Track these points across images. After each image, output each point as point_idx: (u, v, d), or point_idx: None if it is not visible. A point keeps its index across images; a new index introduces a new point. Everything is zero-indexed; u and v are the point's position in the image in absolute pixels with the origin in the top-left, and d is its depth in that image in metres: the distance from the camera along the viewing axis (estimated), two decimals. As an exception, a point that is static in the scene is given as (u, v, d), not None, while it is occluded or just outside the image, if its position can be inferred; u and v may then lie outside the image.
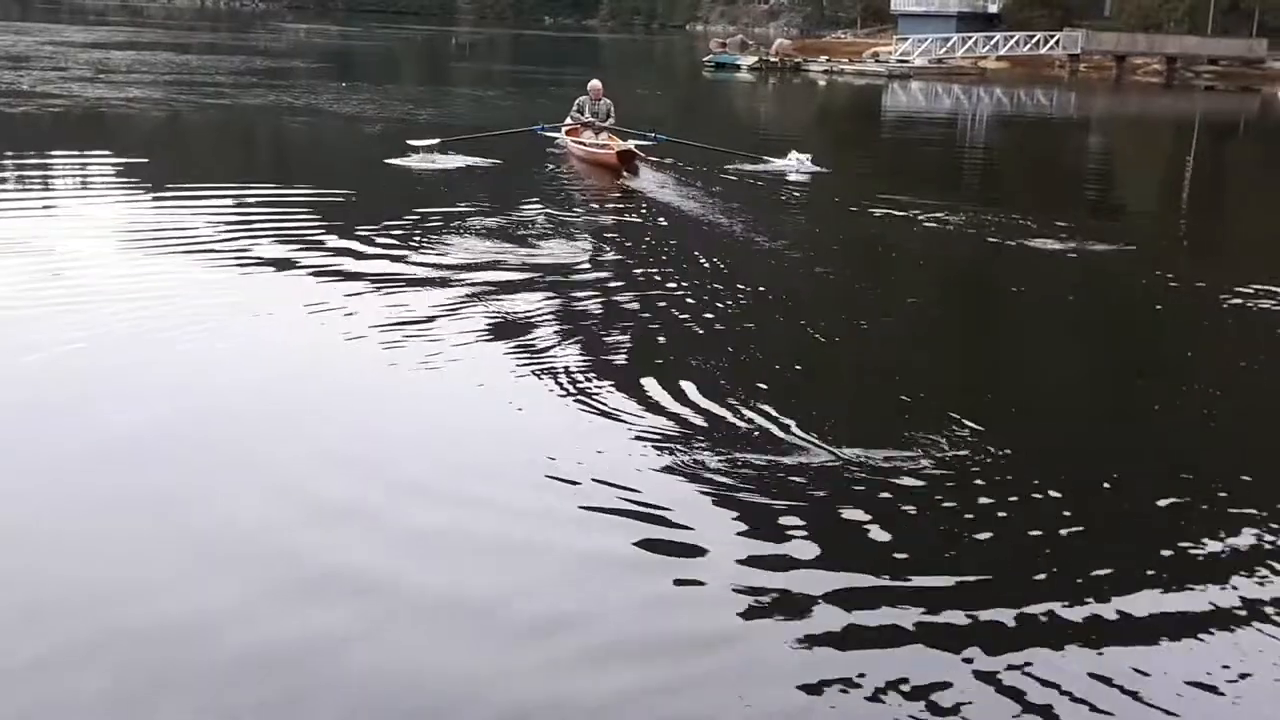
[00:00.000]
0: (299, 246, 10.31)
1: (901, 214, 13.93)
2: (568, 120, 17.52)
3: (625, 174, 15.62)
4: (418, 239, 10.75)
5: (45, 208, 12.08)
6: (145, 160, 15.62)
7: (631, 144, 16.44)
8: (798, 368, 7.52)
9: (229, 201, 12.71)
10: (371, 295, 8.65)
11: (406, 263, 9.78)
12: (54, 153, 16.13)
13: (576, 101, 17.44)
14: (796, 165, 17.02)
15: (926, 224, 13.36)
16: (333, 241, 10.55)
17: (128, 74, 30.37)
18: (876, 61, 54.91)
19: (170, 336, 7.44)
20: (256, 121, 22.22)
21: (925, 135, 28.46)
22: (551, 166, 16.53)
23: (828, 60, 55.39)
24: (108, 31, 56.26)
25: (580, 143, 16.89)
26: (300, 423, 6.18)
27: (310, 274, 9.29)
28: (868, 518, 5.16)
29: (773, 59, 54.13)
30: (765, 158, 17.45)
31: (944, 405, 6.65)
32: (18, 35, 47.12)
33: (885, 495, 5.38)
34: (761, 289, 9.65)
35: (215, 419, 6.10)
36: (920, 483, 5.53)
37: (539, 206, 13.04)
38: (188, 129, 20.79)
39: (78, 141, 17.54)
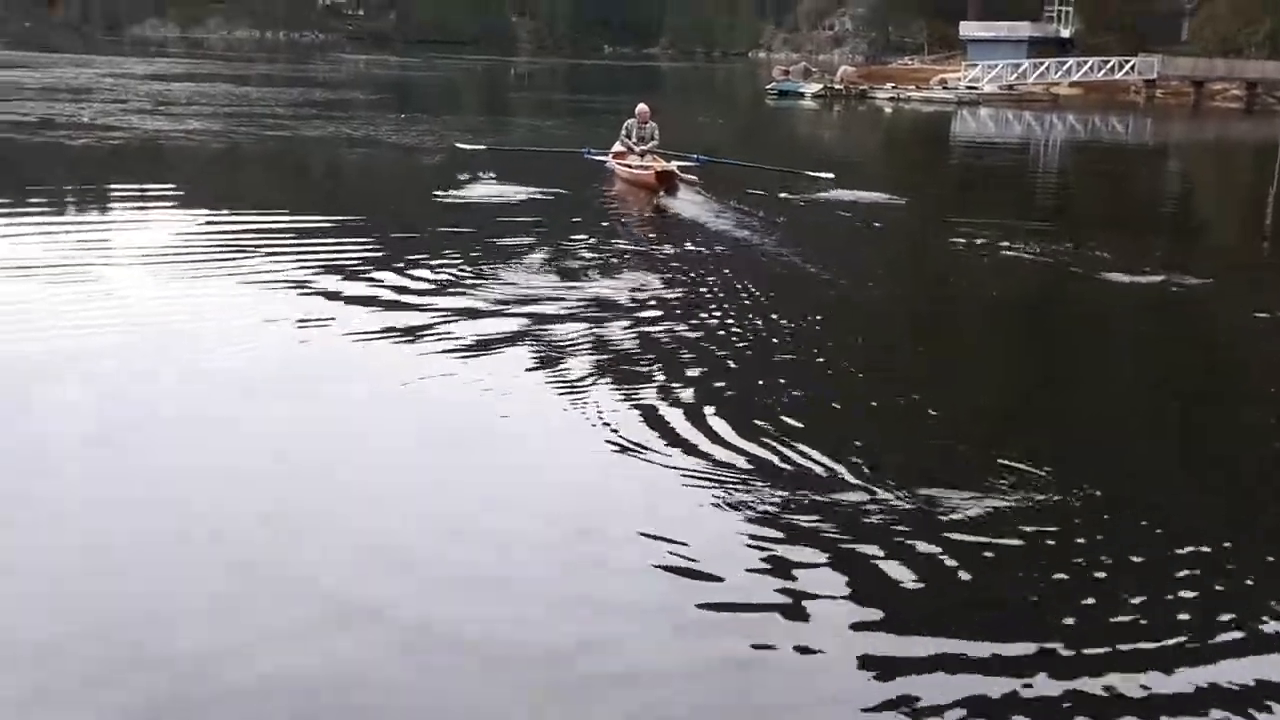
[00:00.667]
0: (352, 276, 10.39)
1: (971, 243, 13.76)
2: (616, 145, 18.24)
3: (664, 194, 16.31)
4: (463, 270, 10.77)
5: (100, 237, 12.29)
6: (202, 190, 15.90)
7: (674, 165, 17.07)
8: (853, 405, 7.38)
9: (284, 231, 12.87)
10: (414, 326, 8.71)
11: (449, 293, 9.81)
12: (112, 184, 16.46)
13: (625, 125, 18.13)
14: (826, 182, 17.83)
15: (998, 254, 13.17)
16: (383, 273, 10.58)
17: (187, 106, 30.98)
18: (944, 88, 54.67)
19: (213, 364, 7.57)
20: (314, 152, 22.54)
21: (996, 162, 28.21)
22: (595, 188, 16.95)
23: (894, 87, 55.26)
24: (167, 64, 57.61)
25: (625, 165, 17.61)
26: (344, 458, 6.17)
27: (359, 304, 9.37)
28: (928, 566, 5.00)
29: (837, 86, 54.07)
30: (804, 171, 18.30)
31: (1014, 445, 6.49)
32: (79, 68, 48.36)
33: (953, 542, 5.23)
34: (811, 320, 9.54)
35: (257, 457, 6.11)
36: (994, 533, 5.34)
37: (579, 232, 13.14)
38: (245, 160, 21.13)
39: (136, 173, 17.89)
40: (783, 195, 17.06)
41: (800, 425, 6.70)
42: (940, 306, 11.04)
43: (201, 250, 11.41)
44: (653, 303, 9.86)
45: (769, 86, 55.25)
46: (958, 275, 12.24)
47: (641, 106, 18.00)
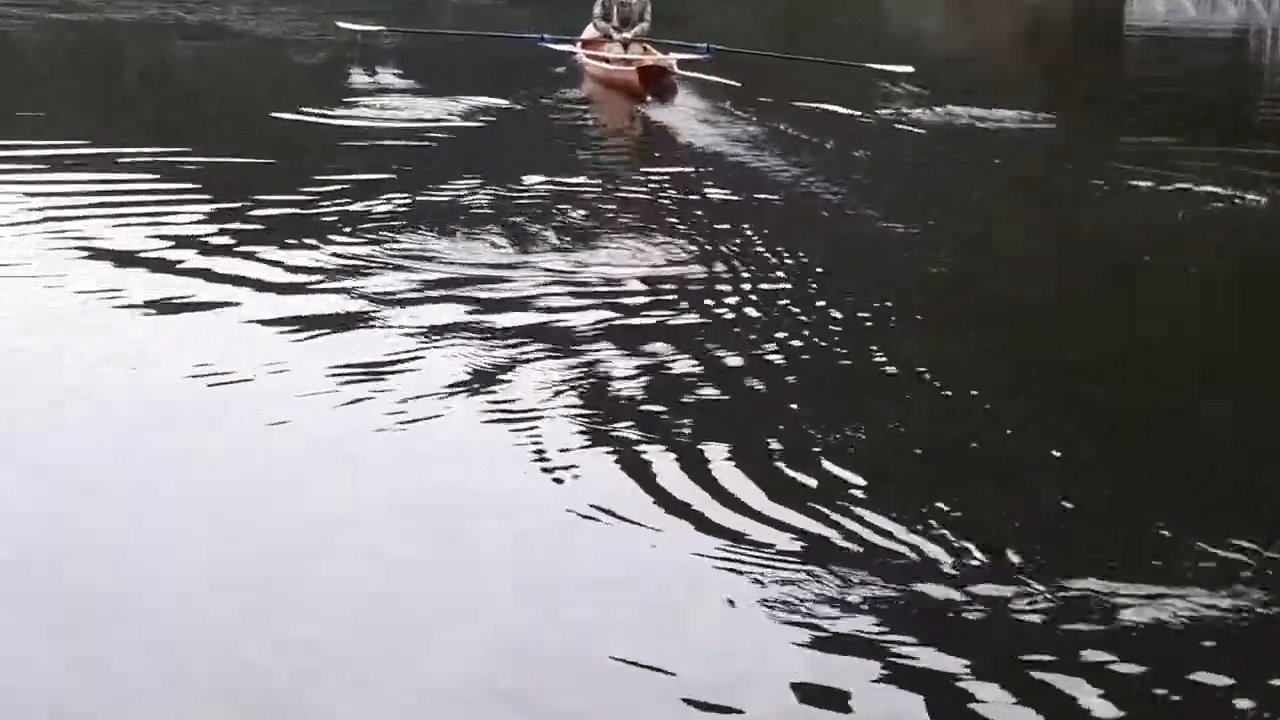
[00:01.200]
0: (186, 245, 10.30)
1: (1159, 187, 13.76)
2: (588, 29, 19.24)
3: (650, 100, 17.18)
4: (353, 238, 10.74)
5: None
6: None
7: (672, 59, 18.07)
8: (951, 448, 7.32)
9: (81, 173, 12.77)
10: (294, 318, 8.78)
11: (338, 275, 9.78)
12: None
13: (600, 0, 19.02)
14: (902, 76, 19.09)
15: (1202, 202, 13.21)
16: (236, 237, 10.56)
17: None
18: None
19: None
20: (126, 48, 22.58)
21: (1196, 64, 28.30)
22: (553, 94, 17.92)
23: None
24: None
25: (599, 56, 18.62)
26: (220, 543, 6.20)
27: (205, 293, 9.29)
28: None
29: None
30: (868, 64, 19.19)
31: (1240, 512, 6.49)
32: None
33: (1129, 678, 5.21)
34: (880, 311, 9.54)
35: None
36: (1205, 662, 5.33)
37: (524, 168, 13.33)
38: (14, 59, 21.14)
39: None
40: (839, 107, 17.25)
41: (868, 480, 6.67)
42: (1101, 289, 10.93)
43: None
44: (636, 284, 9.89)
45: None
46: (1133, 236, 12.21)
47: None
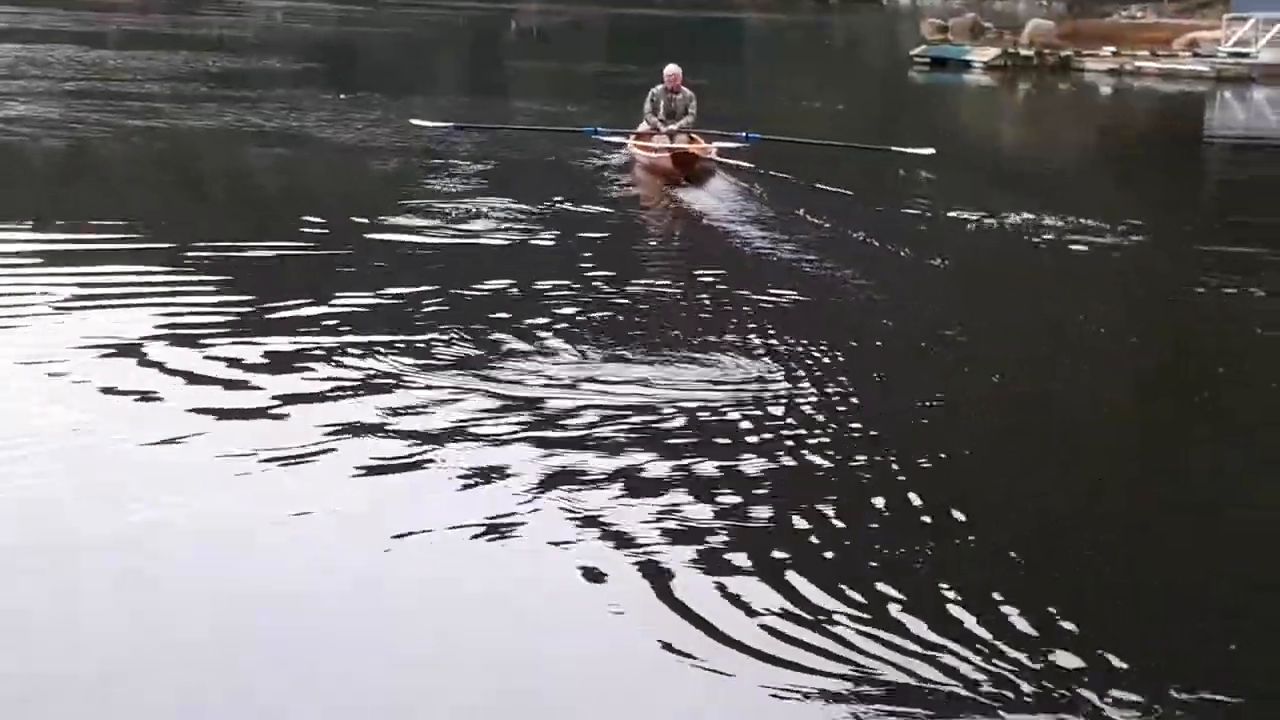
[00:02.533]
0: (263, 346, 10.60)
1: (1245, 295, 13.74)
2: (642, 124, 21.33)
3: (685, 182, 19.25)
4: (392, 343, 10.98)
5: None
6: (33, 216, 16.03)
7: (713, 146, 20.50)
8: (1002, 583, 7.26)
9: (162, 273, 13.04)
10: (326, 424, 8.97)
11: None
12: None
13: (650, 94, 21.18)
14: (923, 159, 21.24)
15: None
16: (314, 338, 10.82)
17: (8, 80, 31.53)
18: (1195, 56, 54.75)
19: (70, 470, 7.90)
20: (206, 154, 22.84)
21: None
22: (605, 181, 20.00)
23: (1115, 53, 55.41)
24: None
25: (646, 146, 20.81)
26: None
27: (285, 391, 9.56)
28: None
29: (1025, 51, 54.35)
30: (891, 147, 21.58)
31: None
32: None
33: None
34: (924, 435, 9.58)
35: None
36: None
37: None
38: (100, 166, 21.41)
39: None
40: (911, 209, 17.85)
41: (924, 619, 6.58)
42: (1180, 406, 10.87)
43: (35, 307, 11.54)
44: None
45: (917, 52, 55.61)
46: (1217, 347, 12.13)
47: (671, 68, 21.01)
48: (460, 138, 23.09)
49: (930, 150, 21.04)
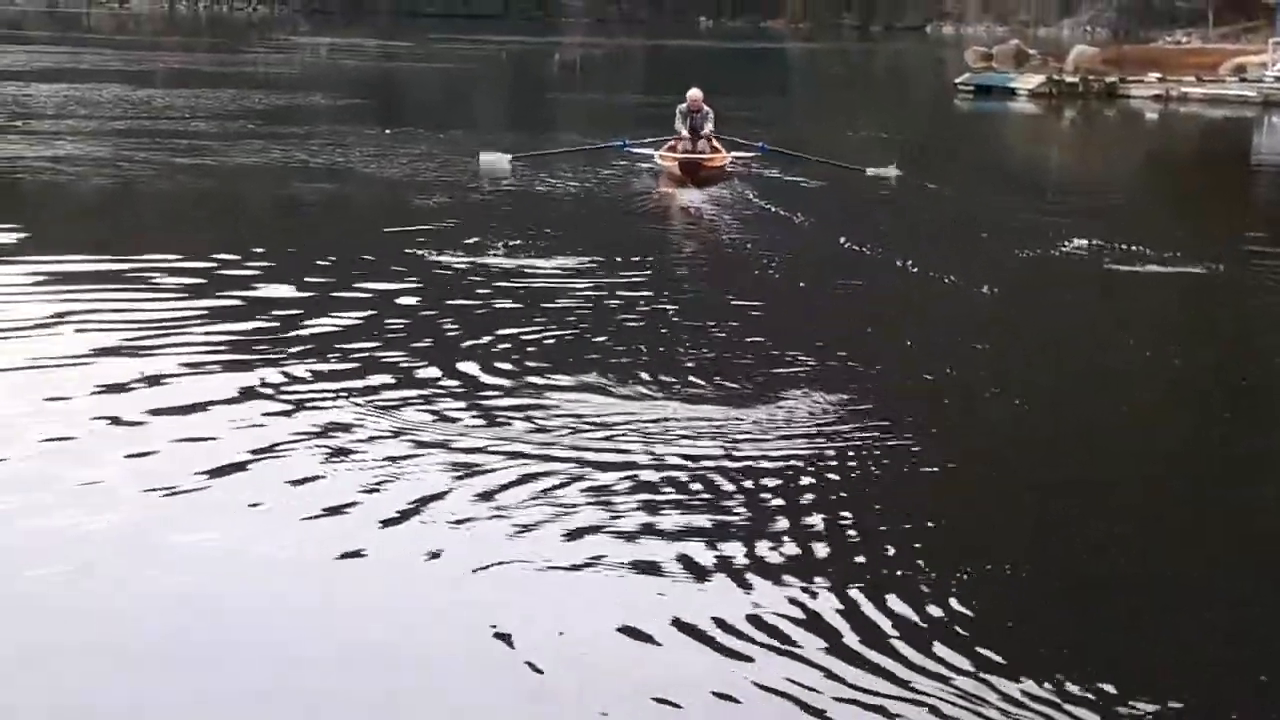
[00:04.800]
0: (310, 384, 10.71)
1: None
2: (671, 137, 24.98)
3: (691, 185, 23.20)
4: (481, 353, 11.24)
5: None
6: (81, 252, 16.15)
7: (730, 155, 24.92)
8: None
9: (208, 312, 13.15)
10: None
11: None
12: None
13: (678, 111, 24.88)
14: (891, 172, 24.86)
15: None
16: (358, 375, 10.91)
17: (56, 119, 31.90)
18: (1242, 80, 54.53)
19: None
20: (252, 191, 22.96)
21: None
22: (633, 189, 23.40)
23: (1160, 79, 55.27)
24: (28, 54, 59.31)
25: (667, 156, 24.65)
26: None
27: (323, 428, 9.64)
28: None
29: (1070, 78, 54.22)
30: (853, 166, 25.34)
31: None
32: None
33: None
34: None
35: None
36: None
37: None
38: (145, 204, 21.57)
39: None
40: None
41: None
42: (1226, 427, 10.85)
43: (80, 345, 11.65)
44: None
45: (961, 80, 55.56)
46: (1267, 371, 12.09)
47: (693, 92, 24.70)
48: (505, 167, 24.67)
49: (896, 171, 24.89)
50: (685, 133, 24.50)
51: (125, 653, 6.52)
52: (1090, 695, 6.03)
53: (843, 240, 17.79)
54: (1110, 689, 6.06)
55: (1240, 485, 9.51)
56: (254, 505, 8.27)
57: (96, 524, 7.89)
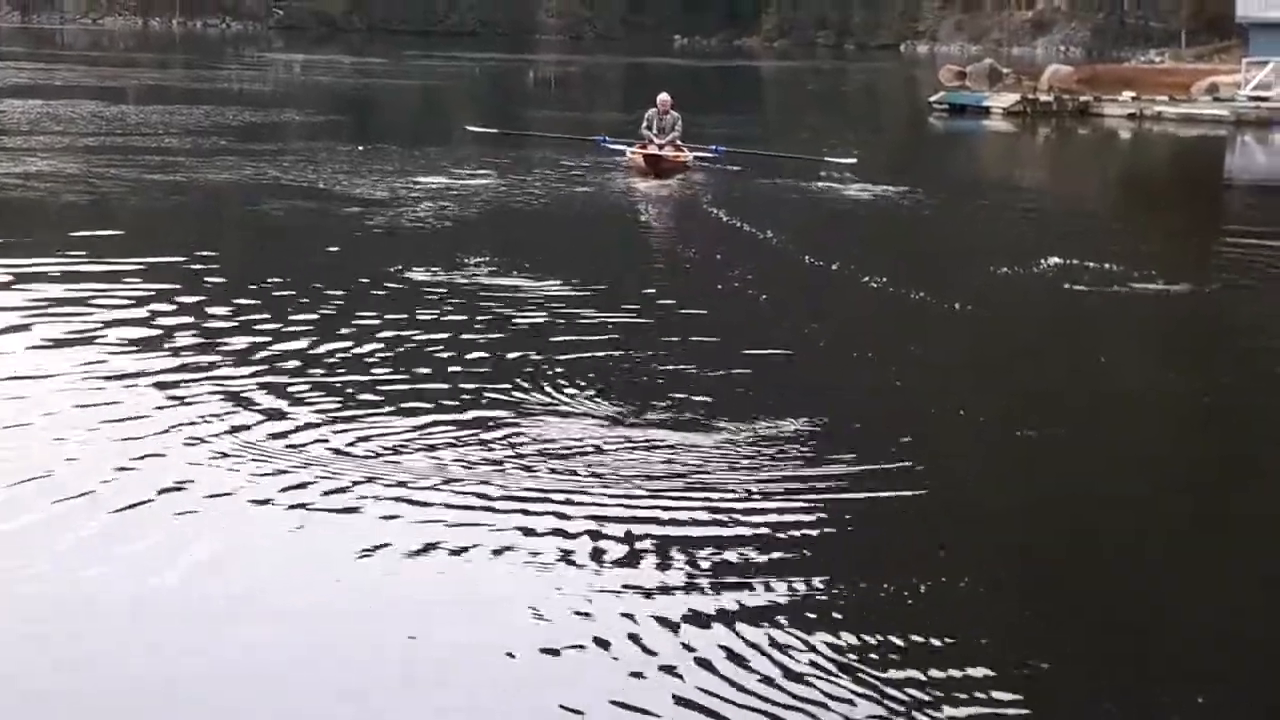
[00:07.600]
0: (289, 407, 10.64)
1: (1268, 346, 13.70)
2: (640, 137, 28.05)
3: (654, 177, 26.54)
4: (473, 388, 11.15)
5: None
6: (54, 270, 16.12)
7: (689, 155, 27.74)
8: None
9: (181, 332, 13.10)
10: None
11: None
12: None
13: (646, 115, 27.94)
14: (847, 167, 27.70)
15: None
16: (336, 401, 10.85)
17: (28, 135, 31.85)
18: (1215, 99, 54.75)
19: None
20: (224, 207, 22.97)
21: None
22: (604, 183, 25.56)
23: (1134, 98, 55.43)
24: (0, 70, 59.14)
25: (638, 153, 27.63)
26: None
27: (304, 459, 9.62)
28: None
29: (1044, 96, 54.36)
30: (822, 157, 29.33)
31: None
32: None
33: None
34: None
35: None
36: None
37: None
38: (117, 221, 21.49)
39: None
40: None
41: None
42: (1201, 446, 10.88)
43: (53, 366, 11.62)
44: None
45: (935, 98, 55.68)
46: (1238, 389, 12.15)
47: (663, 96, 27.75)
48: (480, 181, 25.79)
49: (853, 160, 28.62)
50: (654, 134, 27.51)
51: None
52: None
53: (809, 259, 17.76)
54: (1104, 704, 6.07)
55: (1213, 497, 9.62)
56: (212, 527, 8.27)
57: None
